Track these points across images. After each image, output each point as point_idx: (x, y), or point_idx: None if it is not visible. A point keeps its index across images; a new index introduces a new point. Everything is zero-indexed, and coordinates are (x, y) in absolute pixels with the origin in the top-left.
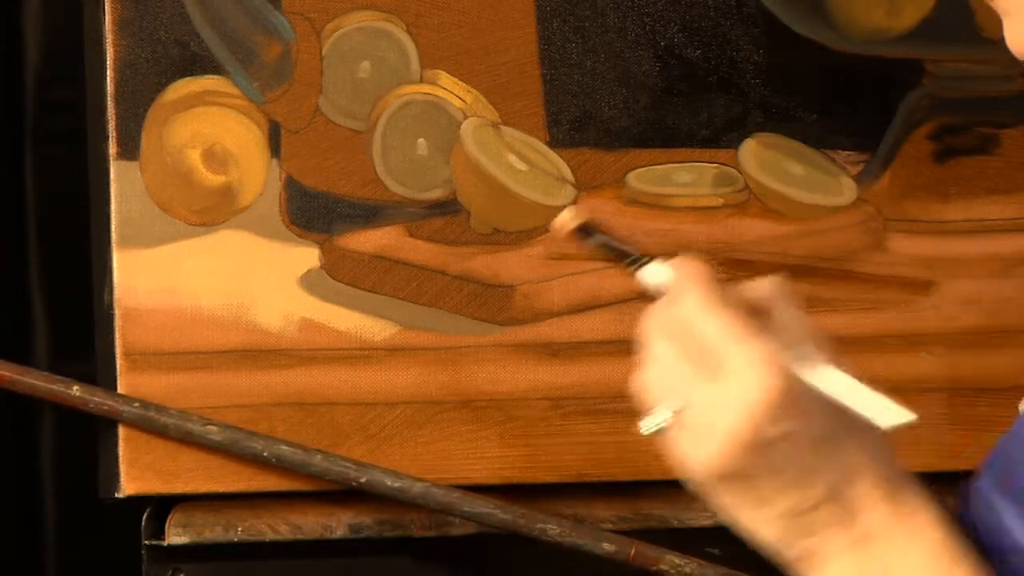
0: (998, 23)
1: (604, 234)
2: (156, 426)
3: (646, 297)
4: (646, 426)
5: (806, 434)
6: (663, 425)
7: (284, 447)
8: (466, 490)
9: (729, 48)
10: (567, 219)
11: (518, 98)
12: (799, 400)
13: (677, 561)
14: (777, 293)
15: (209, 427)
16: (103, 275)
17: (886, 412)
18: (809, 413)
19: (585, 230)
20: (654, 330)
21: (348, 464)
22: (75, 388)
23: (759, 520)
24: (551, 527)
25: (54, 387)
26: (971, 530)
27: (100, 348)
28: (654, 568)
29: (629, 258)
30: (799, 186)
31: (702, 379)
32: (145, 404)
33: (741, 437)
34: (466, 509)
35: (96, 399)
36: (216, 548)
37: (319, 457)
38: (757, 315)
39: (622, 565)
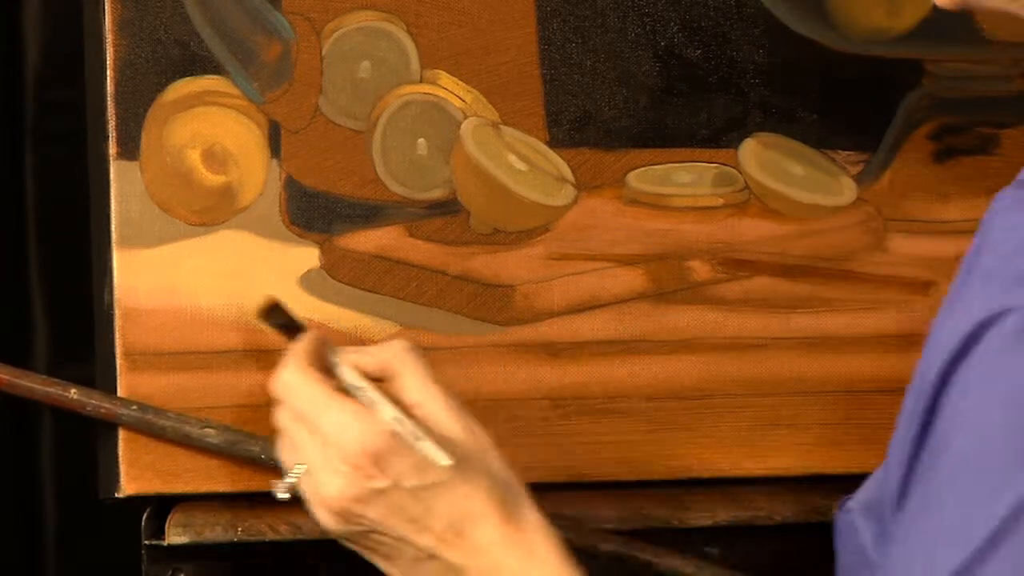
0: (997, 22)
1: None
2: (154, 429)
3: (645, 297)
4: (278, 489)
5: (403, 486)
6: (293, 487)
7: None
8: None
9: (729, 48)
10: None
11: (518, 98)
12: (390, 456)
13: (676, 562)
14: (395, 354)
15: (207, 430)
16: (103, 275)
17: (439, 455)
18: (400, 467)
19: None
20: (277, 401)
21: None
22: (73, 391)
23: (395, 573)
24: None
25: (51, 390)
26: (840, 552)
27: (100, 348)
28: (653, 569)
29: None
30: (799, 186)
31: (314, 443)
32: (143, 407)
33: (340, 498)
34: None
35: (94, 402)
36: (216, 548)
37: None
38: (382, 375)
39: (622, 566)
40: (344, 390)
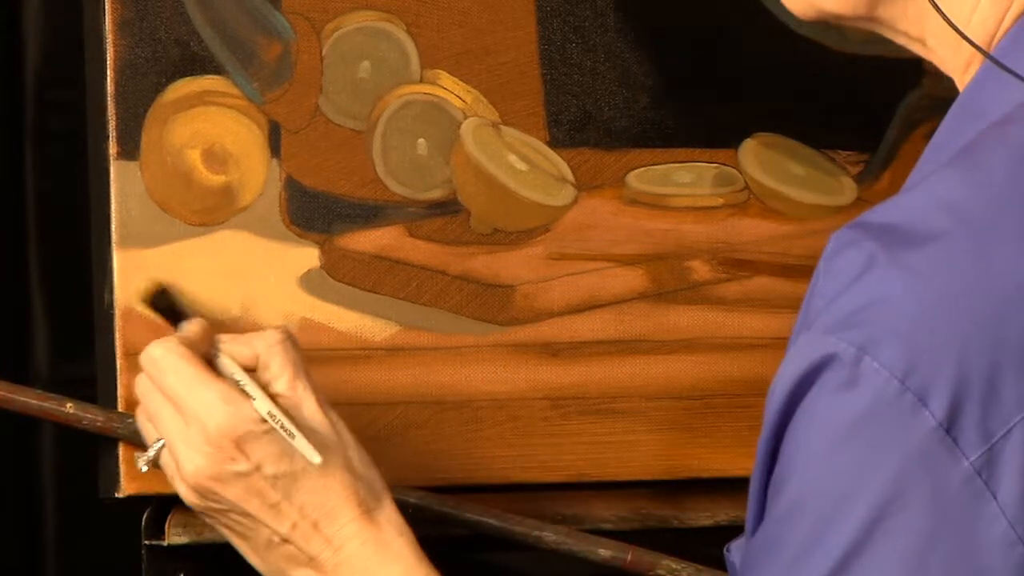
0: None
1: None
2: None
3: (645, 297)
4: (140, 461)
5: (264, 472)
6: (152, 459)
7: None
8: (463, 492)
9: (729, 48)
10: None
11: (518, 98)
12: (253, 441)
13: (674, 566)
14: (268, 345)
15: None
16: (103, 275)
17: (310, 451)
18: (263, 453)
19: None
20: (142, 378)
21: None
22: (68, 405)
23: (249, 552)
24: (547, 534)
25: (47, 405)
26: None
27: (100, 348)
28: (650, 572)
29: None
30: (799, 186)
31: (176, 420)
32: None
33: (198, 475)
34: (462, 517)
35: (90, 416)
36: (216, 548)
37: None
38: (254, 364)
39: (619, 570)
40: (219, 375)
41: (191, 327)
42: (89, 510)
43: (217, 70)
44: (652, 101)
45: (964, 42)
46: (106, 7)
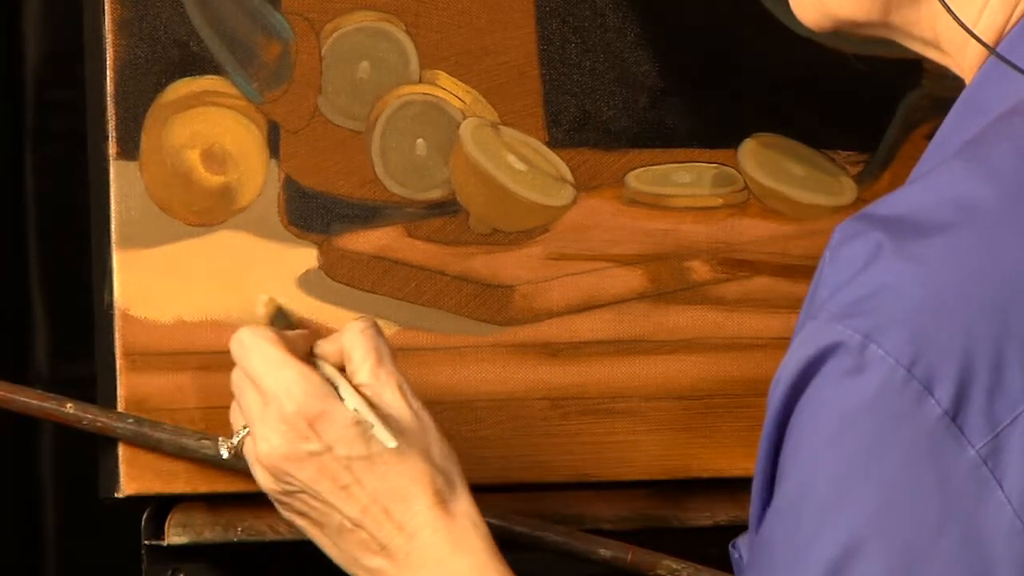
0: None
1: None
2: (151, 442)
3: (645, 297)
4: (221, 448)
5: (336, 452)
6: (236, 447)
7: None
8: None
9: (729, 48)
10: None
11: (517, 98)
12: (326, 421)
13: (674, 566)
14: (352, 335)
15: (203, 442)
16: (103, 275)
17: (386, 436)
18: (338, 434)
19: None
20: (235, 372)
21: None
22: (68, 405)
23: (323, 540)
24: (548, 535)
25: (47, 405)
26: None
27: (100, 348)
28: (651, 572)
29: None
30: (799, 186)
31: (257, 401)
32: (139, 420)
33: (271, 455)
34: None
35: (90, 416)
36: (216, 548)
37: None
38: (340, 357)
39: (619, 570)
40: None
41: (298, 331)
42: (89, 510)
43: (216, 70)
44: (651, 101)
45: (975, 43)
46: (106, 7)
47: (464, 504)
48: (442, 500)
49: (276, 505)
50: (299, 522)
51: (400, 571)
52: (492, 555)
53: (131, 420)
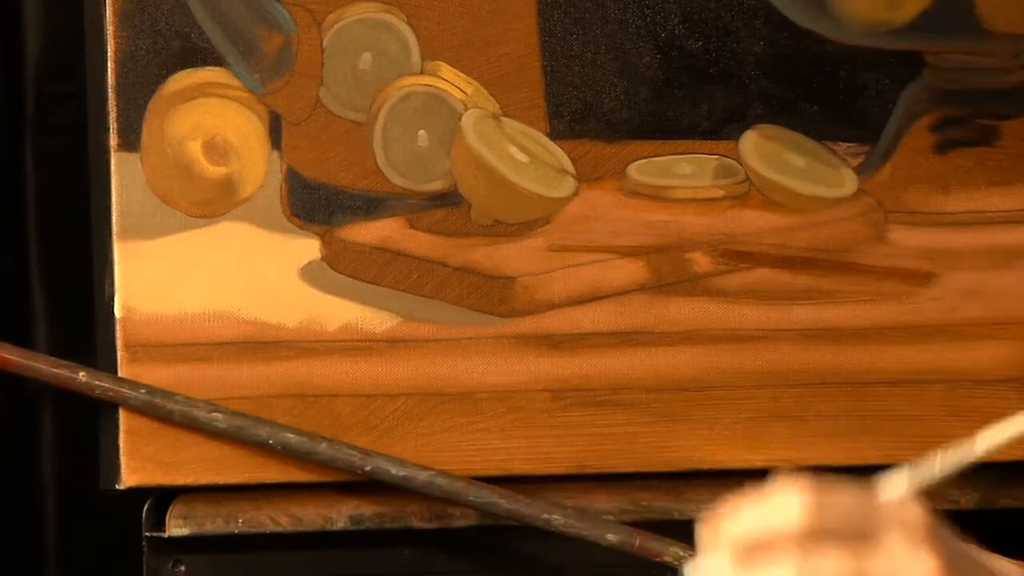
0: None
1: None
2: (161, 412)
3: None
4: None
5: None
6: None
7: (290, 435)
8: (470, 479)
9: (730, 40)
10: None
11: (519, 90)
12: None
13: (681, 552)
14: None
15: (215, 414)
16: (104, 267)
17: None
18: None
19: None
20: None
21: (353, 452)
22: (81, 374)
23: None
24: (556, 517)
25: (60, 372)
26: None
27: (101, 340)
28: (657, 559)
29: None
30: (800, 178)
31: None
32: (151, 390)
33: None
34: (471, 498)
35: (102, 384)
36: (217, 540)
37: (324, 445)
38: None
39: (625, 556)
40: None
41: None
42: (90, 502)
43: (218, 62)
44: (653, 93)
45: None
46: None
47: None
48: None
49: None
50: None
51: None
52: None
53: (143, 390)
